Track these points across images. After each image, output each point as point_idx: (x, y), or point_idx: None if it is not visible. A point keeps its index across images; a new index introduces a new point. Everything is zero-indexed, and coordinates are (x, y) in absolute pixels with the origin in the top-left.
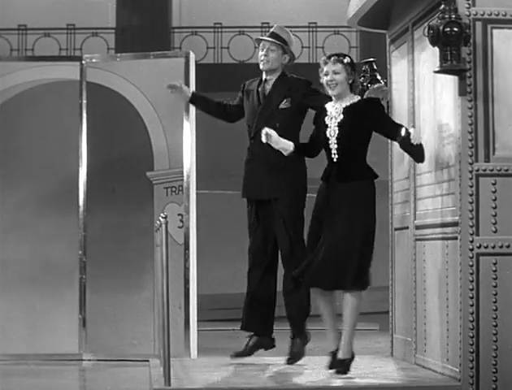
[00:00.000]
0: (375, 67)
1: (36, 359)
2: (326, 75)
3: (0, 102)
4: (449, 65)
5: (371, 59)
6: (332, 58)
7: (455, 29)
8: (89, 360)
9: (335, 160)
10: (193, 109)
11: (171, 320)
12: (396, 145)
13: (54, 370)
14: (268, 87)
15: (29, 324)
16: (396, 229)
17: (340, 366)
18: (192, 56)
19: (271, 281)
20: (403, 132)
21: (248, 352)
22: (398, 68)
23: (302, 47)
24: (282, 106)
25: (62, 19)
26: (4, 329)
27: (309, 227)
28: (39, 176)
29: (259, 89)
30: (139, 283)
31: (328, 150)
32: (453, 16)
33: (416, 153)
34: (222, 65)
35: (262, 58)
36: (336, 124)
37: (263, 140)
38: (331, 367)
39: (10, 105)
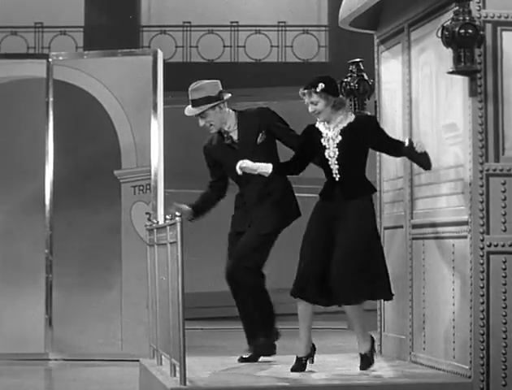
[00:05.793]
0: (361, 68)
1: (2, 359)
2: (308, 105)
3: None
4: (463, 66)
5: (358, 60)
6: (306, 91)
7: (469, 31)
8: (56, 360)
9: (337, 179)
10: (161, 106)
11: (138, 319)
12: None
13: (19, 370)
14: (234, 134)
15: None
16: (386, 228)
17: (363, 360)
18: (160, 54)
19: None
20: (407, 143)
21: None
22: (389, 69)
23: (271, 46)
24: (260, 140)
25: (30, 18)
26: None
27: (305, 240)
28: (5, 174)
29: (227, 142)
30: (106, 282)
31: (328, 170)
32: (467, 18)
33: (423, 160)
34: (191, 64)
35: (207, 127)
36: (335, 146)
37: (239, 173)
38: (292, 369)
39: None
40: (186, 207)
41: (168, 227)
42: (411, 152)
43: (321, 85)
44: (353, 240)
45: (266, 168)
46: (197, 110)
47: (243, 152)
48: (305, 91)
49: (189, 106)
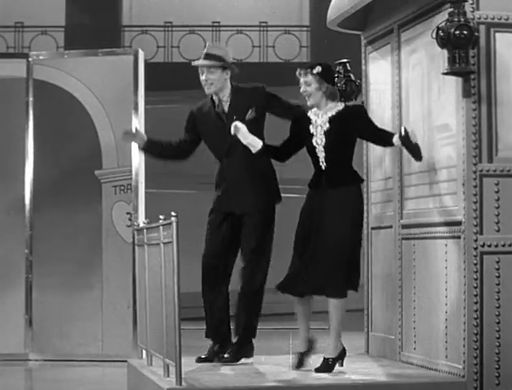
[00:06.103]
0: (348, 68)
1: None
2: (301, 86)
3: None
4: (458, 67)
5: (345, 60)
6: (302, 70)
7: (465, 32)
8: (36, 360)
9: (323, 168)
10: (141, 106)
11: (118, 320)
12: (373, 147)
13: None
14: (226, 105)
15: None
16: (373, 228)
17: (323, 363)
18: (141, 53)
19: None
20: (403, 132)
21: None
22: (377, 69)
23: (253, 46)
24: (248, 117)
25: (10, 17)
26: None
27: (295, 234)
28: None
29: (217, 110)
30: (87, 282)
31: (315, 158)
32: (462, 19)
33: (416, 150)
34: (172, 64)
35: (204, 83)
36: (323, 133)
37: (232, 131)
38: (296, 367)
39: None
40: (143, 134)
41: (161, 227)
42: (407, 141)
43: (318, 68)
44: (333, 236)
45: (256, 143)
46: (208, 63)
47: (230, 125)
48: (302, 70)
49: (200, 59)
